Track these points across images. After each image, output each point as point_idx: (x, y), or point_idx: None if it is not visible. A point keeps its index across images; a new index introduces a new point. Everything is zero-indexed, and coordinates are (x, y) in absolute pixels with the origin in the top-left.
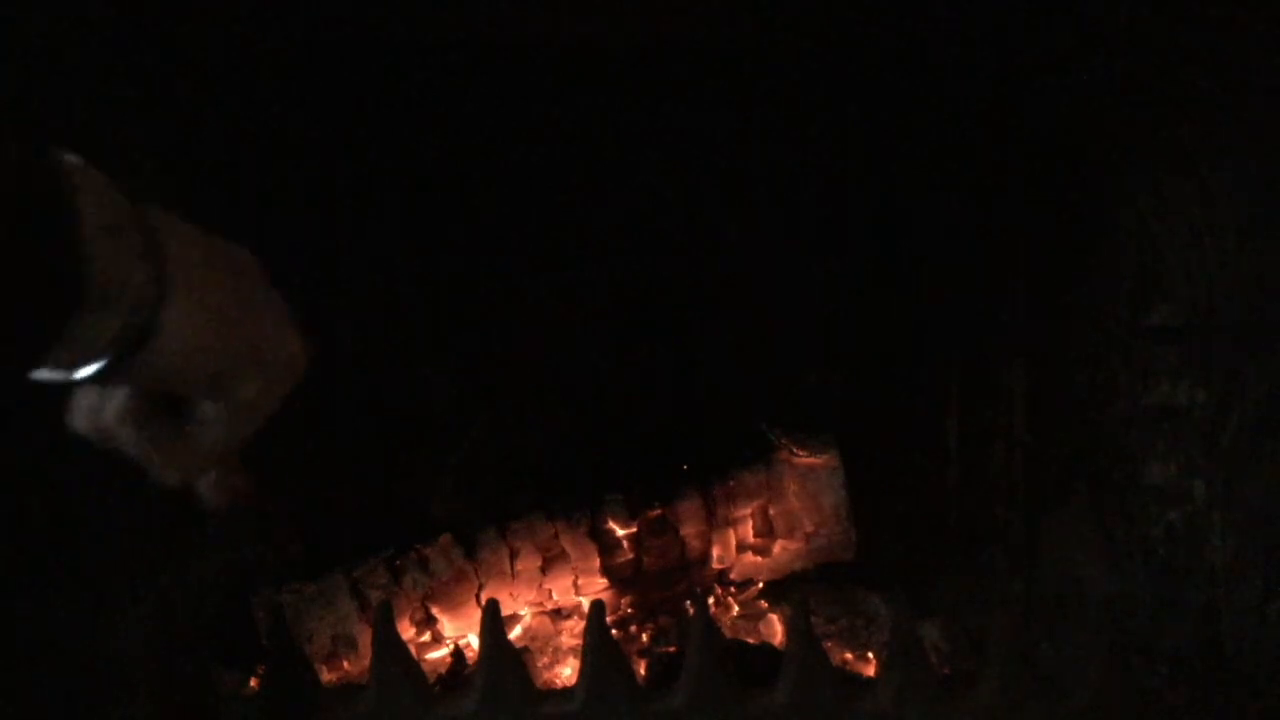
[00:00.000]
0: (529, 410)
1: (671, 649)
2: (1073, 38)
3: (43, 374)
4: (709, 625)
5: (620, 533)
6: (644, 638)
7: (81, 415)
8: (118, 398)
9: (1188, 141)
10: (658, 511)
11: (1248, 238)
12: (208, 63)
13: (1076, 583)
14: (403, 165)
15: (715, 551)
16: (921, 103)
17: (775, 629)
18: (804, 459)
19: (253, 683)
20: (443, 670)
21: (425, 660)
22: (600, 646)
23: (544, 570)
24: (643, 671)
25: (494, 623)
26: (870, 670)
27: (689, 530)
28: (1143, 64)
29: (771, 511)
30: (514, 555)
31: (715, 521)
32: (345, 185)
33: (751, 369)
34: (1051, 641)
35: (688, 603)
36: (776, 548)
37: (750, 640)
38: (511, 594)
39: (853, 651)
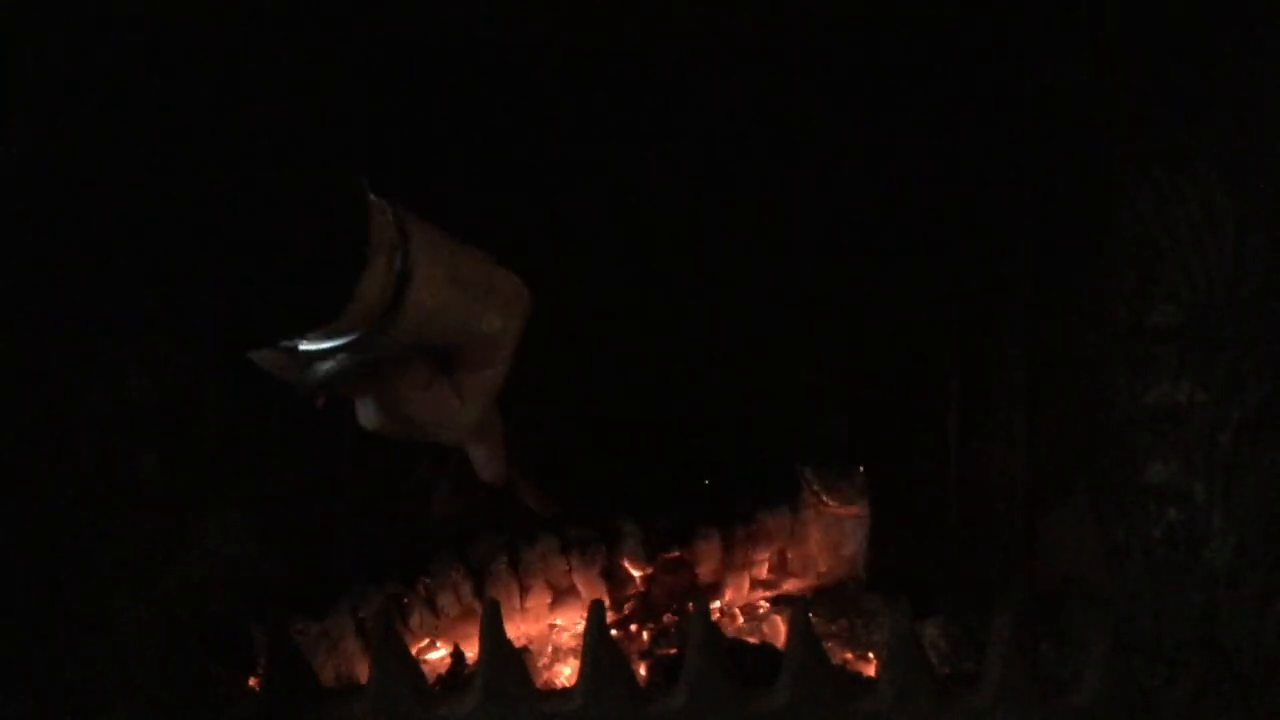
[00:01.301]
0: (531, 410)
1: (672, 651)
2: (1073, 37)
3: (337, 337)
4: (709, 625)
5: (636, 575)
6: (644, 637)
7: (369, 412)
8: (397, 382)
9: (1187, 141)
10: (675, 554)
11: (1247, 237)
12: None
13: (1076, 583)
14: (398, 168)
15: (728, 594)
16: (920, 103)
17: (777, 629)
18: (832, 508)
19: (252, 682)
20: (443, 670)
21: (425, 660)
22: (600, 646)
23: (553, 606)
24: (643, 673)
25: (494, 623)
26: (870, 670)
27: (704, 569)
28: (1143, 63)
29: (789, 554)
30: (524, 592)
31: (731, 563)
32: None
33: (750, 370)
34: (1051, 641)
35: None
36: (786, 584)
37: (751, 640)
38: (518, 626)
39: (853, 651)
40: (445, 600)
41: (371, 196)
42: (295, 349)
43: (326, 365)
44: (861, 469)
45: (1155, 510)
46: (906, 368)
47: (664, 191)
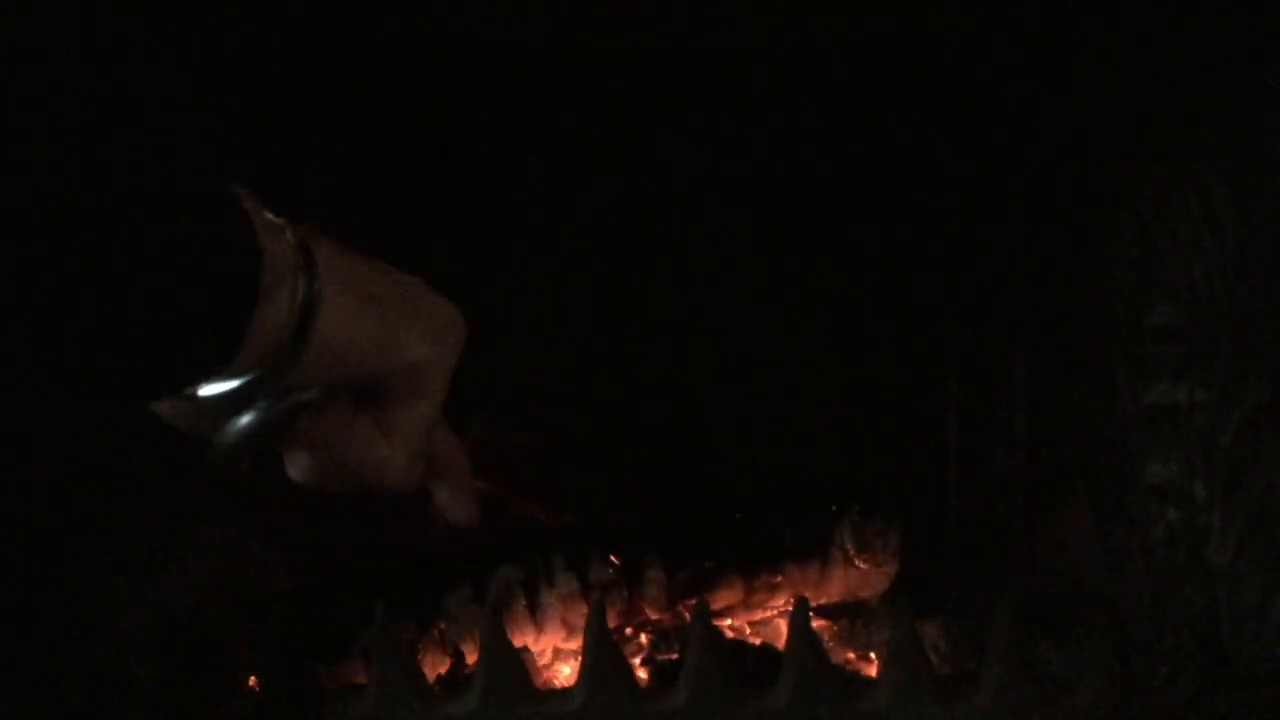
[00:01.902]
0: (532, 409)
1: (673, 655)
2: (1073, 38)
3: (237, 377)
4: (709, 626)
5: (654, 616)
6: (643, 639)
7: (297, 464)
8: (316, 428)
9: (1187, 141)
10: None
11: (1248, 237)
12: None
13: (1076, 583)
14: (399, 172)
15: (739, 622)
16: (922, 103)
17: (778, 630)
18: (862, 570)
19: (252, 682)
20: (443, 670)
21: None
22: (600, 646)
23: (566, 638)
24: (643, 677)
25: (494, 623)
26: (870, 670)
27: (719, 605)
28: (1143, 65)
29: (807, 594)
30: (541, 633)
31: (749, 603)
32: (338, 189)
33: (751, 369)
34: (1051, 641)
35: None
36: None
37: (751, 640)
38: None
39: (853, 651)
40: (462, 645)
41: (271, 217)
42: (194, 396)
43: (238, 424)
44: (900, 524)
45: (1155, 510)
46: (907, 368)
47: (666, 208)
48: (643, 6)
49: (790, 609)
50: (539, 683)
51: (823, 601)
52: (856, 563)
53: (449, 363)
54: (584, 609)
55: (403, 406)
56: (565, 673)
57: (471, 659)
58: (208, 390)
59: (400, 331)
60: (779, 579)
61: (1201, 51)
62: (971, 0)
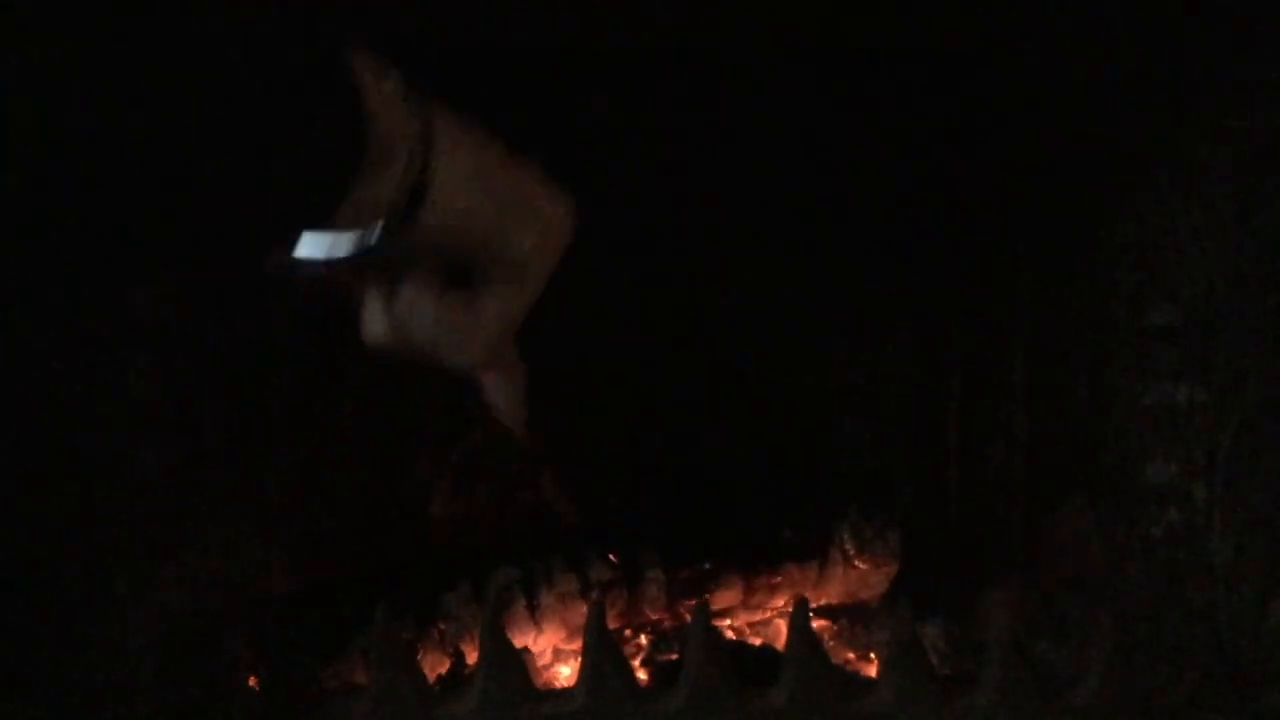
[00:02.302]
0: (532, 409)
1: (672, 656)
2: (1074, 37)
3: (345, 240)
4: (709, 627)
5: (654, 616)
6: (643, 639)
7: (374, 319)
8: (405, 287)
9: (1187, 141)
10: (694, 601)
11: (1248, 238)
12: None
13: (1076, 582)
14: None
15: (739, 623)
16: (921, 102)
17: (778, 631)
18: (862, 568)
19: (252, 682)
20: (443, 670)
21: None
22: (600, 646)
23: (565, 638)
24: (643, 678)
25: (494, 623)
26: (871, 670)
27: (719, 605)
28: (1144, 65)
29: (806, 594)
30: (540, 634)
31: (748, 603)
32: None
33: (750, 368)
34: (1051, 641)
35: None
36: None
37: (751, 640)
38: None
39: (853, 651)
40: (462, 644)
41: (393, 86)
42: (295, 258)
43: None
44: (900, 524)
45: (1155, 510)
46: (907, 368)
47: (673, 211)
48: (642, 6)
49: (790, 609)
50: (539, 683)
51: (823, 602)
52: (856, 563)
53: (551, 260)
54: (583, 608)
55: (496, 293)
56: (565, 673)
57: (471, 659)
58: (307, 253)
59: (509, 224)
60: (778, 579)
61: (1202, 51)
62: (973, 1)
